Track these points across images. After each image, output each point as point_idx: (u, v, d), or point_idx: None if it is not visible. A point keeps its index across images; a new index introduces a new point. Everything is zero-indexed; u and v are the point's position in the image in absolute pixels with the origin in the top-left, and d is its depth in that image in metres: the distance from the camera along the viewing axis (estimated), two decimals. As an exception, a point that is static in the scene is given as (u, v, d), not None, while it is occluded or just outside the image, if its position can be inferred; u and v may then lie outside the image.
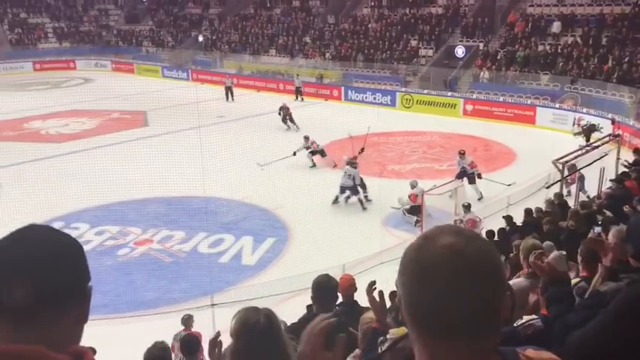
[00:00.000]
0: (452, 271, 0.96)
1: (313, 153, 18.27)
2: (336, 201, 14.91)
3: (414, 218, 13.47)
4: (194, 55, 39.19)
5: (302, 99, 29.25)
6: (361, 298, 4.70)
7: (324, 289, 4.01)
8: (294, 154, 17.79)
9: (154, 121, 24.58)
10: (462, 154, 15.53)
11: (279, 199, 14.64)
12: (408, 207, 13.74)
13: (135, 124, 24.55)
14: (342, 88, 29.67)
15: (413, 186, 14.02)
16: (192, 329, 7.39)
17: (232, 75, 34.45)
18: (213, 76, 34.87)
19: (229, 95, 29.38)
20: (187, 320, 7.68)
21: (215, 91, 29.59)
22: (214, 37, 40.16)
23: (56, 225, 13.70)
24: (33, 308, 0.99)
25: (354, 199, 14.81)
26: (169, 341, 7.41)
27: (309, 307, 4.34)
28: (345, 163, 15.32)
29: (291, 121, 23.36)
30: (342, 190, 14.96)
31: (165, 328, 7.55)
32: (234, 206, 14.98)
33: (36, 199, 13.81)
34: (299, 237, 12.81)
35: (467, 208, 12.60)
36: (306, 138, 18.45)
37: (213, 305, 7.35)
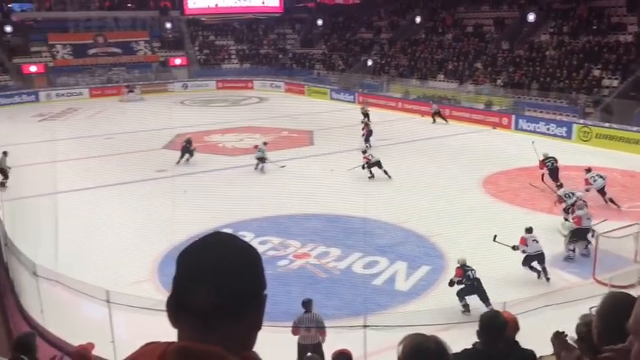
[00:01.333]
0: None
1: (369, 166, 19.09)
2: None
3: (572, 246, 12.62)
4: (362, 79, 40.12)
5: (446, 121, 29.51)
6: (522, 339, 4.36)
7: (492, 324, 3.79)
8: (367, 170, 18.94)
9: (320, 140, 25.48)
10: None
11: (437, 226, 14.29)
12: (571, 231, 12.77)
13: (302, 142, 25.61)
14: (513, 116, 28.35)
15: (580, 207, 12.94)
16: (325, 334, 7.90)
17: (397, 99, 34.75)
18: (378, 100, 35.39)
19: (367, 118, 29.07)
20: (307, 304, 8.49)
21: (380, 115, 29.94)
22: (383, 62, 40.79)
23: (225, 231, 14.79)
24: (213, 311, 1.04)
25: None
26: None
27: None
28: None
29: (367, 139, 23.80)
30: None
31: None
32: (391, 230, 14.91)
33: (211, 206, 14.94)
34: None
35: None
36: (363, 152, 19.87)
37: (365, 326, 7.31)
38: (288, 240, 14.10)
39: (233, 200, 15.71)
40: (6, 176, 19.44)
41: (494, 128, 28.13)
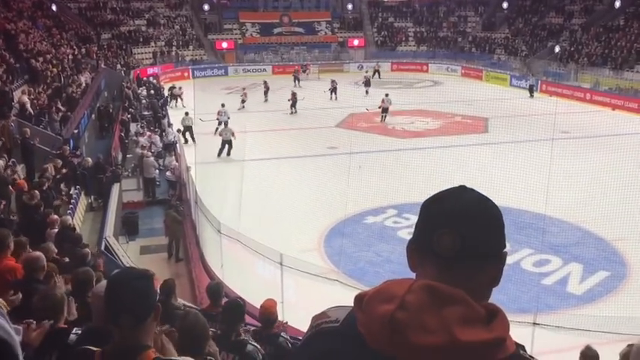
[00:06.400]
0: None
1: None
2: None
3: None
4: (547, 66, 37.61)
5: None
6: None
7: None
8: None
9: (495, 128, 24.48)
10: None
11: (621, 230, 13.01)
12: None
13: (475, 129, 24.81)
14: None
15: None
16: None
17: (586, 89, 32.13)
18: (564, 89, 33.01)
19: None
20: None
21: (565, 105, 27.90)
22: (572, 49, 37.84)
23: (390, 212, 14.87)
24: (458, 258, 1.06)
25: None
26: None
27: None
28: None
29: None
30: None
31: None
32: (567, 228, 13.95)
33: (377, 185, 15.14)
34: (642, 278, 11.21)
35: None
36: None
37: (535, 324, 6.97)
38: (453, 227, 13.77)
39: (400, 182, 15.72)
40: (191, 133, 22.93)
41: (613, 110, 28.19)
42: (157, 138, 20.34)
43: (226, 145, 20.70)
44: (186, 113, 23.37)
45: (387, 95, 27.24)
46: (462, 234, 1.06)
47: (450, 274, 1.06)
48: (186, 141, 22.03)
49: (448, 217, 1.09)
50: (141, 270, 2.12)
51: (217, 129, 22.63)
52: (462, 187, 1.17)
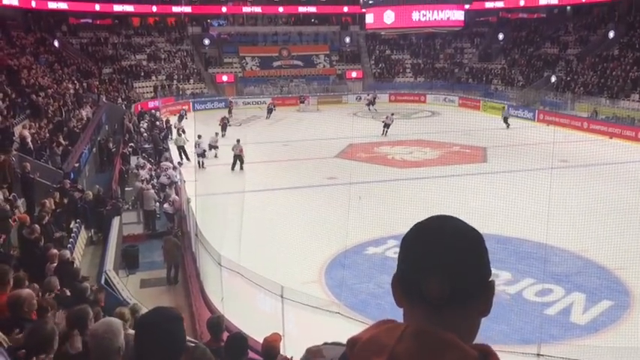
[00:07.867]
0: None
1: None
2: None
3: None
4: (543, 96, 37.95)
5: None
6: None
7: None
8: None
9: (494, 158, 24.55)
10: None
11: (623, 259, 12.95)
12: None
13: (474, 159, 24.88)
14: None
15: None
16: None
17: (583, 118, 32.34)
18: (561, 118, 33.23)
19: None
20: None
21: (562, 134, 28.05)
22: (568, 78, 38.23)
23: (390, 243, 14.81)
24: (445, 301, 1.04)
25: None
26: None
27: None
28: None
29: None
30: None
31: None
32: (568, 257, 13.89)
33: (377, 216, 15.12)
34: (646, 307, 11.13)
35: None
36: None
37: (539, 355, 6.88)
38: (455, 258, 13.71)
39: (400, 212, 15.70)
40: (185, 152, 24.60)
41: (610, 138, 28.16)
42: (171, 172, 20.06)
43: (237, 160, 22.80)
44: (179, 134, 25.31)
45: (392, 114, 31.17)
46: (450, 277, 1.04)
47: (441, 317, 1.04)
48: (181, 159, 23.71)
49: (434, 261, 1.05)
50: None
51: (199, 162, 23.59)
52: (442, 220, 1.11)
